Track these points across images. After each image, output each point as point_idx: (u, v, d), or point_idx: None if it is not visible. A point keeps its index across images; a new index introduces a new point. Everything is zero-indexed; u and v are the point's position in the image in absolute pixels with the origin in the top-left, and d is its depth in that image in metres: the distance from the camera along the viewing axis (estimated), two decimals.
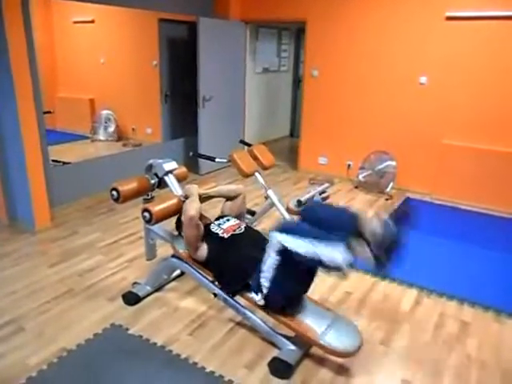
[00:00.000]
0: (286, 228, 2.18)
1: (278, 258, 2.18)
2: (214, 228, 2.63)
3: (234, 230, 2.59)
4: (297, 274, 2.25)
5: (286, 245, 2.09)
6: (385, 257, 2.12)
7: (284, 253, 2.14)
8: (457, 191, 4.99)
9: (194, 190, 2.65)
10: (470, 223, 4.45)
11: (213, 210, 3.57)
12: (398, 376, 2.33)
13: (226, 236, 2.55)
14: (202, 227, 2.58)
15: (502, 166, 4.68)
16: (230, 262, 2.47)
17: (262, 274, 2.27)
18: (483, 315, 2.89)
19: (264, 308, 2.37)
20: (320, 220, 2.23)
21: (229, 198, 2.90)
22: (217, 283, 2.60)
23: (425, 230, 4.19)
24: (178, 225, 2.80)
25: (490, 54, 4.59)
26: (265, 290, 2.29)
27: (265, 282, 2.27)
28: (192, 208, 2.49)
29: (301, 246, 2.05)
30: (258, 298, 2.34)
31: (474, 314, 2.90)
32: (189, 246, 2.57)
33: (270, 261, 2.22)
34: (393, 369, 2.38)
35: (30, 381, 2.19)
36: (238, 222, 2.71)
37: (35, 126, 3.76)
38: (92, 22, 5.99)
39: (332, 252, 1.98)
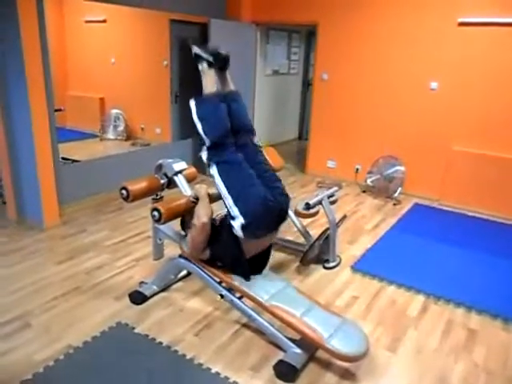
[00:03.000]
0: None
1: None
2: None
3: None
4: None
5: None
6: None
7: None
8: (465, 198, 4.96)
9: (204, 190, 2.65)
10: (479, 230, 4.41)
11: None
12: (404, 383, 2.31)
13: (217, 223, 2.61)
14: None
15: None
16: (225, 244, 2.51)
17: (226, 202, 2.42)
18: (491, 323, 2.87)
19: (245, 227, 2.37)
20: None
21: None
22: (225, 284, 2.61)
23: (432, 236, 4.16)
24: (183, 224, 2.81)
25: (502, 61, 4.56)
26: (236, 210, 2.36)
27: (229, 201, 2.38)
28: (205, 214, 2.51)
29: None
30: (237, 222, 2.36)
31: (481, 322, 2.87)
32: (194, 248, 2.59)
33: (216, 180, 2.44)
34: (399, 375, 2.36)
35: (36, 377, 2.20)
36: None
37: (46, 123, 3.79)
38: (104, 21, 6.04)
39: None
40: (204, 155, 2.50)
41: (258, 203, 2.34)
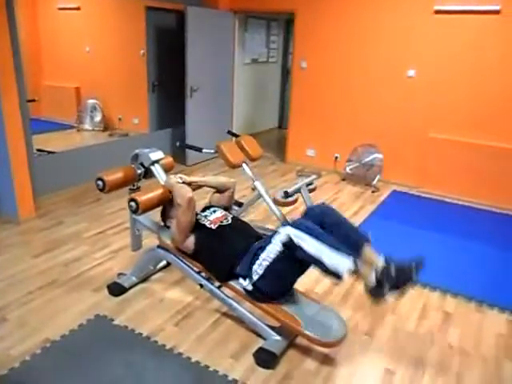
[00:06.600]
0: (298, 224, 2.18)
1: (281, 249, 2.19)
2: (201, 219, 2.62)
3: (221, 221, 2.59)
4: (292, 267, 2.29)
5: (295, 239, 2.11)
6: (386, 288, 2.13)
7: (289, 246, 2.15)
8: (443, 184, 5.04)
9: (173, 180, 2.64)
10: (455, 216, 4.50)
11: (202, 200, 3.56)
12: (382, 365, 2.36)
13: (213, 227, 2.55)
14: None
15: (488, 159, 4.73)
16: (218, 252, 2.47)
17: (258, 261, 2.28)
18: (466, 305, 2.94)
19: (250, 294, 2.37)
20: (330, 225, 2.27)
21: (218, 191, 2.89)
22: (204, 274, 2.60)
23: (410, 222, 4.23)
24: (164, 215, 2.79)
25: (479, 48, 4.62)
26: (255, 277, 2.30)
27: (258, 269, 2.28)
28: (187, 190, 2.49)
29: (309, 244, 2.09)
30: (245, 283, 2.35)
31: (456, 305, 2.94)
32: (179, 234, 2.51)
33: (272, 249, 2.23)
34: (377, 358, 2.41)
35: (12, 372, 2.17)
36: (224, 213, 2.71)
37: (18, 114, 3.68)
38: (78, 8, 5.89)
39: (338, 261, 2.06)
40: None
41: None
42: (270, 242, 2.27)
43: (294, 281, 2.43)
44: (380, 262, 2.17)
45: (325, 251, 2.07)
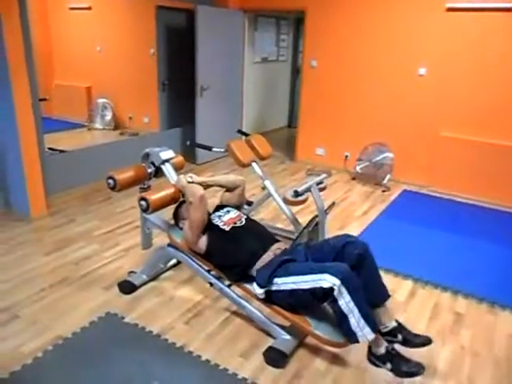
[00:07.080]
0: (348, 281, 2.06)
1: (318, 289, 2.10)
2: (214, 220, 2.60)
3: (235, 223, 2.57)
4: (315, 301, 2.23)
5: (336, 293, 2.04)
6: (388, 366, 2.15)
7: (327, 293, 2.08)
8: (454, 184, 4.99)
9: (183, 180, 2.64)
10: (466, 216, 4.46)
11: (210, 199, 3.56)
12: None
13: (226, 228, 2.53)
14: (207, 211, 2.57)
15: (500, 158, 4.68)
16: (231, 254, 2.46)
17: (285, 279, 2.23)
18: (477, 306, 2.91)
19: (263, 300, 2.36)
20: (365, 271, 2.25)
21: (228, 189, 2.88)
22: (214, 272, 2.60)
23: (420, 221, 4.20)
24: (176, 216, 2.79)
25: (490, 46, 4.57)
26: (273, 288, 2.26)
27: (282, 286, 2.23)
28: (199, 188, 2.51)
29: (346, 301, 2.05)
30: (260, 291, 2.30)
31: (467, 306, 2.91)
32: (192, 233, 2.51)
33: (308, 283, 2.14)
34: None
35: (25, 368, 2.19)
36: (238, 213, 2.69)
37: (31, 113, 3.72)
38: (89, 8, 5.93)
39: (363, 328, 2.07)
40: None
41: None
42: (308, 271, 2.17)
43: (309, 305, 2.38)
44: (393, 323, 2.26)
45: (355, 314, 2.05)
